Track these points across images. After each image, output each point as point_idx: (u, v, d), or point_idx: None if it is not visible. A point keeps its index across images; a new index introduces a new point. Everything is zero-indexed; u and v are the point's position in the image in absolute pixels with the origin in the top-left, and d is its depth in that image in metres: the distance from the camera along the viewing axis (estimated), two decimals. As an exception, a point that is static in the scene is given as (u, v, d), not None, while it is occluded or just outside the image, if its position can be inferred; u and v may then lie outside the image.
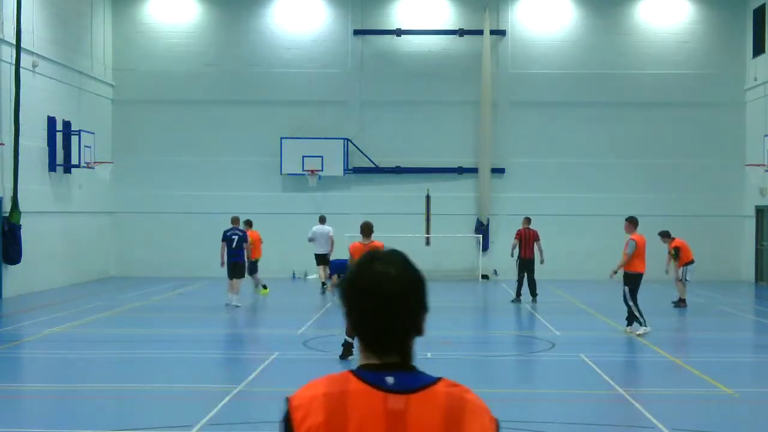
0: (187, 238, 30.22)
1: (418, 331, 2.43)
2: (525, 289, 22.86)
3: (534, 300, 22.65)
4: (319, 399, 2.33)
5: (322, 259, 24.88)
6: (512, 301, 22.72)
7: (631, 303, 16.58)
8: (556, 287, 26.44)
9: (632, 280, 16.62)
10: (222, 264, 21.05)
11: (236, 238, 21.00)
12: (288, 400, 2.37)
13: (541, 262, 22.79)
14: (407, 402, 2.31)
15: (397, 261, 2.42)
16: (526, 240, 22.76)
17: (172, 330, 17.57)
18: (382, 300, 2.36)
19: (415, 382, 2.35)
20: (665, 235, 21.28)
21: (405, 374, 2.36)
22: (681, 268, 21.23)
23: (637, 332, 16.39)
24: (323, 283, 24.99)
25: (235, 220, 21.62)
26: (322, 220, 25.28)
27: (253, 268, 23.24)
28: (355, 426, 2.29)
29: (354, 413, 2.30)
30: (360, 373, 2.36)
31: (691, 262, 21.40)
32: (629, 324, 16.81)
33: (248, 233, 22.04)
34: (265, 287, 23.82)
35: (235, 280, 20.93)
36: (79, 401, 11.13)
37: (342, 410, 2.30)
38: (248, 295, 23.31)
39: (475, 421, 2.34)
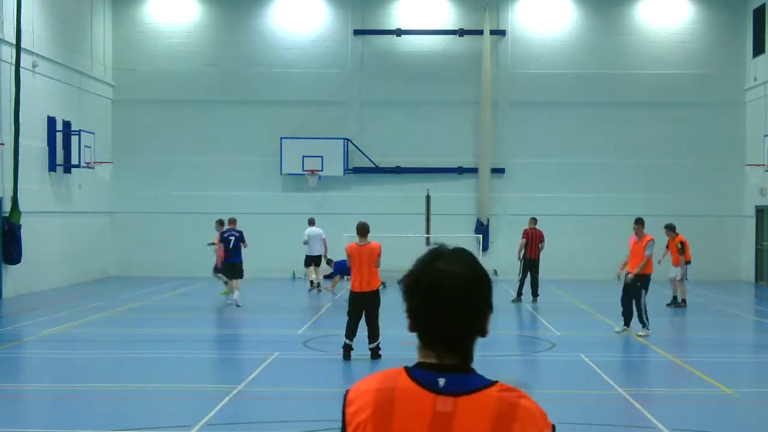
0: (187, 238, 30.19)
1: (482, 332, 2.38)
2: (526, 288, 22.88)
3: (534, 300, 22.68)
4: (371, 393, 2.30)
5: (314, 260, 25.10)
6: (512, 300, 22.70)
7: (644, 304, 16.36)
8: (557, 287, 26.43)
9: (647, 281, 16.45)
10: (222, 264, 21.42)
11: (233, 238, 21.43)
12: (345, 393, 2.37)
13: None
14: (455, 405, 2.25)
15: (462, 259, 2.36)
16: (533, 240, 22.87)
17: (172, 330, 17.56)
18: (445, 299, 2.30)
19: (468, 384, 2.29)
20: (672, 229, 21.06)
21: (459, 376, 2.30)
22: (684, 267, 21.11)
23: (639, 333, 16.29)
24: (311, 282, 25.21)
25: (232, 221, 21.98)
26: (312, 222, 25.58)
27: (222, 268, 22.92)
28: (399, 425, 2.25)
29: (400, 412, 2.26)
30: (413, 371, 2.32)
31: (689, 261, 21.44)
32: (626, 324, 16.63)
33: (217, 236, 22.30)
34: (226, 283, 23.35)
35: (234, 280, 21.16)
36: (79, 401, 11.12)
37: (389, 407, 2.27)
38: (223, 297, 23.24)
39: (525, 429, 2.24)
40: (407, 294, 2.37)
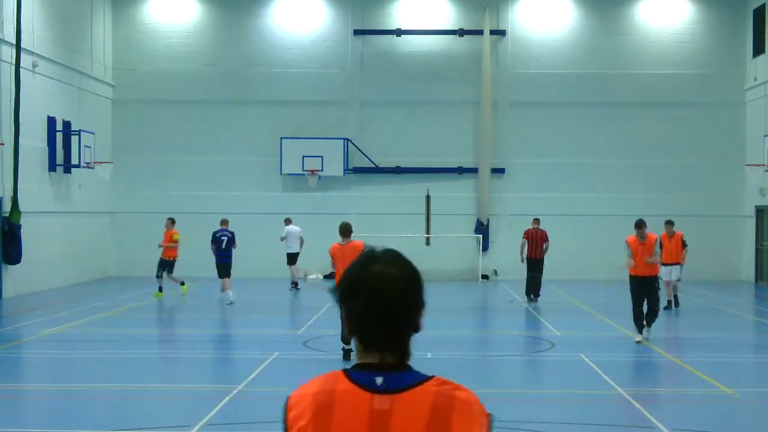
0: (187, 238, 30.14)
1: (416, 328, 2.43)
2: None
3: (535, 299, 22.73)
4: (309, 398, 2.36)
5: (293, 259, 25.72)
6: (527, 302, 22.70)
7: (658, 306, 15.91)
8: (556, 287, 26.43)
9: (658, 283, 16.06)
10: (219, 264, 21.91)
11: (225, 239, 21.90)
12: (286, 399, 2.42)
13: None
14: (393, 402, 2.31)
15: (395, 260, 2.44)
16: (534, 240, 22.86)
17: (172, 330, 17.56)
18: (384, 300, 2.36)
19: (405, 381, 2.34)
20: (672, 224, 20.45)
21: (396, 374, 2.36)
22: (681, 266, 20.69)
23: (637, 339, 15.83)
24: (294, 282, 25.80)
25: (224, 222, 22.45)
26: (288, 221, 26.06)
27: (171, 268, 22.76)
28: (338, 426, 2.31)
29: (339, 413, 2.32)
30: (351, 373, 2.37)
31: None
32: (648, 325, 15.91)
33: (171, 232, 22.57)
34: (183, 283, 23.39)
35: (225, 279, 21.67)
36: (79, 401, 11.12)
37: (328, 410, 2.33)
38: (174, 297, 23.18)
39: (463, 420, 2.32)
40: (345, 299, 2.41)
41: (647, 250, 15.49)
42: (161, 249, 22.93)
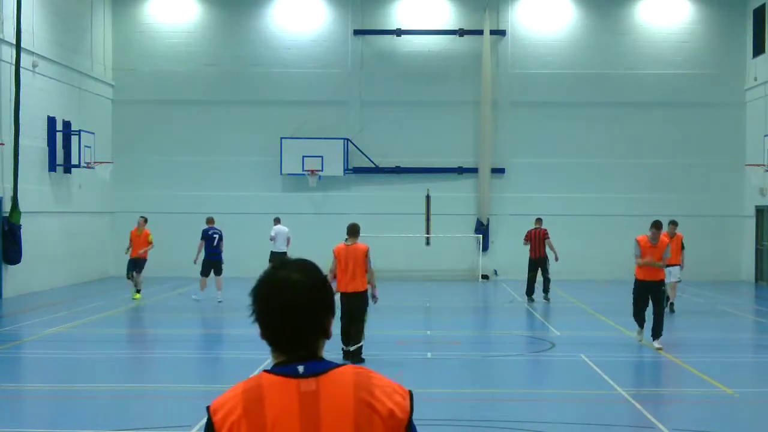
0: (187, 238, 30.09)
1: (324, 333, 2.60)
2: (537, 287, 22.95)
3: (546, 298, 22.75)
4: (237, 397, 2.52)
5: (280, 258, 25.44)
6: (527, 302, 22.78)
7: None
8: (556, 287, 26.41)
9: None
10: (195, 261, 22.12)
11: (216, 236, 22.17)
12: (207, 408, 2.56)
13: (555, 259, 23.11)
14: (318, 383, 2.50)
15: (303, 267, 2.60)
16: (536, 240, 22.91)
17: (172, 330, 17.56)
18: (284, 304, 2.53)
19: (324, 366, 2.54)
20: (676, 225, 19.78)
21: (314, 362, 2.54)
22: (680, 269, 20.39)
23: (638, 337, 15.58)
24: None
25: (210, 220, 22.63)
26: (277, 221, 25.91)
27: (141, 269, 22.39)
28: (271, 412, 2.47)
29: (269, 401, 2.48)
30: (273, 369, 2.54)
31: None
32: (656, 336, 15.10)
33: (146, 232, 22.38)
34: (138, 291, 22.67)
35: (217, 277, 21.92)
36: (79, 401, 11.12)
37: (258, 401, 2.49)
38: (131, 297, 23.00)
39: (384, 393, 2.53)
40: (256, 302, 2.59)
41: (657, 255, 14.70)
42: (130, 250, 22.41)
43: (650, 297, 14.90)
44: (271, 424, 2.46)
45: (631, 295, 15.23)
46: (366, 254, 13.30)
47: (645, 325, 15.25)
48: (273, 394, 2.49)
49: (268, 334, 2.57)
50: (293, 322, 2.53)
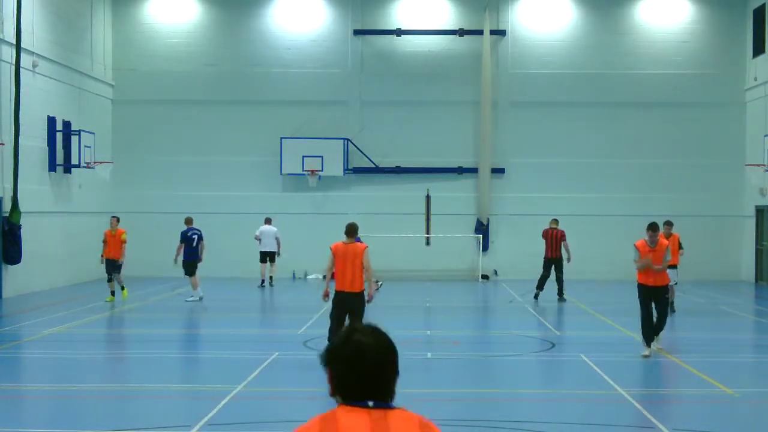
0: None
1: (391, 393, 2.92)
2: (550, 287, 22.94)
3: (561, 299, 22.75)
4: (316, 425, 2.84)
5: (267, 257, 26.51)
6: (534, 297, 22.93)
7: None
8: (556, 287, 26.40)
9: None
10: (175, 261, 22.57)
11: (196, 237, 22.55)
12: None
13: (568, 260, 23.06)
14: (387, 415, 2.85)
15: (375, 333, 2.93)
16: (552, 239, 22.96)
17: (172, 330, 17.57)
18: (364, 368, 2.87)
19: (391, 406, 2.89)
20: (671, 225, 19.10)
21: (382, 402, 2.89)
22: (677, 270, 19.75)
23: (645, 353, 14.33)
24: (263, 280, 26.48)
25: (189, 221, 23.04)
26: (268, 221, 26.84)
27: (119, 269, 22.15)
28: (343, 429, 2.80)
29: (343, 422, 2.81)
30: (345, 404, 2.89)
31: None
32: (656, 333, 14.69)
33: (120, 231, 22.00)
34: (113, 293, 22.28)
35: (195, 277, 22.17)
36: (79, 401, 11.12)
37: (333, 421, 2.82)
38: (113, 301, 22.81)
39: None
40: (331, 363, 2.92)
41: (657, 258, 14.11)
42: (103, 251, 22.02)
43: (654, 301, 14.29)
44: None
45: (637, 301, 14.49)
46: (364, 254, 13.15)
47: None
48: (346, 419, 2.83)
49: (345, 391, 2.90)
50: (370, 386, 2.88)
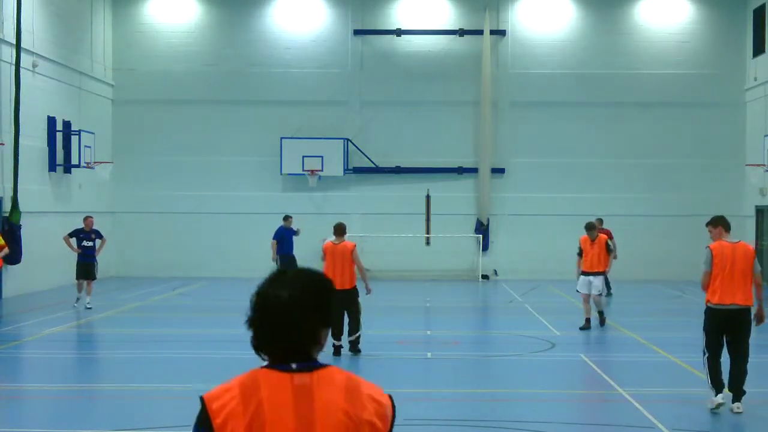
0: (187, 238, 30.23)
1: (316, 342, 2.72)
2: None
3: (608, 295, 21.62)
4: (234, 389, 2.64)
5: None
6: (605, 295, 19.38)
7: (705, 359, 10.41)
8: (557, 287, 26.43)
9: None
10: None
11: (95, 237, 20.51)
12: (201, 398, 2.65)
13: (614, 257, 19.66)
14: (311, 378, 2.64)
15: (294, 283, 2.69)
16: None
17: (173, 330, 17.56)
18: (271, 319, 2.66)
19: (315, 365, 2.69)
20: (601, 222, 17.57)
21: (305, 362, 2.68)
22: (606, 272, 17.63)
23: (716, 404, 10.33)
24: None
25: (87, 220, 20.81)
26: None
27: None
28: (268, 401, 2.60)
29: (265, 389, 2.61)
30: (267, 366, 2.69)
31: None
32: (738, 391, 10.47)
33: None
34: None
35: (91, 282, 20.29)
36: (79, 401, 11.12)
37: (255, 390, 2.61)
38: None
39: (370, 390, 2.70)
40: (251, 315, 2.73)
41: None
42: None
43: (726, 334, 10.31)
44: (269, 413, 2.59)
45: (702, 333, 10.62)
46: (353, 252, 14.03)
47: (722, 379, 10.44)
48: (268, 384, 2.63)
49: (261, 344, 2.71)
50: (282, 336, 2.66)
